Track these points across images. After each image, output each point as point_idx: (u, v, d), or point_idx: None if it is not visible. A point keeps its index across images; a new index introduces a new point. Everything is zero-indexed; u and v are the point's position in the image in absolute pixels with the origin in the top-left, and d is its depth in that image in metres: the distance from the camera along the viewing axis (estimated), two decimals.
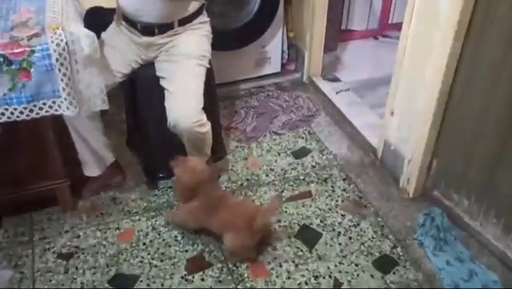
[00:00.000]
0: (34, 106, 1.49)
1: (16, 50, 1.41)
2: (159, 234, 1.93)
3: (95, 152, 1.98)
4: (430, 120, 1.88)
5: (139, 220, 1.99)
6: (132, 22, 1.86)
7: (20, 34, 1.46)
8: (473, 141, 1.80)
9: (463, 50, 1.72)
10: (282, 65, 2.85)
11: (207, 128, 1.84)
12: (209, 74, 1.96)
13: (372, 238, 1.92)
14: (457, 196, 1.93)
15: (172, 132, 1.81)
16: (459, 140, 1.86)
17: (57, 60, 1.45)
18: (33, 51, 1.43)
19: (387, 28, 3.25)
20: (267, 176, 2.21)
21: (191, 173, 1.74)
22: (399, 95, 2.03)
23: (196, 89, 1.79)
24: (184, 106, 1.76)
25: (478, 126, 1.76)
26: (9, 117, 1.49)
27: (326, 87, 2.76)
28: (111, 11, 2.00)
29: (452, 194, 1.95)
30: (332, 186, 2.16)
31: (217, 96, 2.19)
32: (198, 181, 1.74)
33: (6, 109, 1.47)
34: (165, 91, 1.81)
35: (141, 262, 1.82)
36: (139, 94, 2.00)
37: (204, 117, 1.81)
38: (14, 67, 1.41)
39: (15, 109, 1.47)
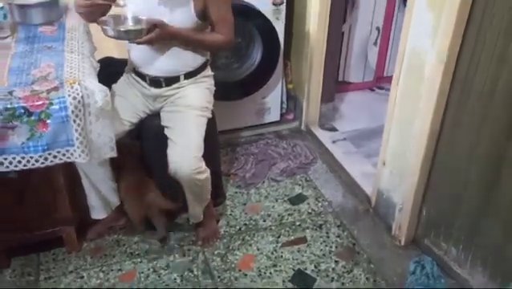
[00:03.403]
0: (49, 154, 1.60)
1: (36, 103, 1.54)
2: (159, 277, 2.00)
3: (102, 196, 2.07)
4: (418, 171, 1.99)
5: (140, 262, 2.08)
6: (141, 75, 2.01)
7: (40, 87, 1.60)
8: (458, 192, 1.90)
9: (447, 105, 1.85)
10: (282, 114, 2.99)
11: (206, 175, 1.94)
12: (212, 123, 2.08)
13: (365, 284, 1.99)
14: (445, 244, 2.01)
15: (174, 178, 1.92)
16: (446, 191, 1.97)
17: (72, 112, 1.58)
18: (51, 104, 1.56)
19: (382, 80, 3.40)
20: (264, 221, 2.30)
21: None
22: (390, 145, 2.15)
23: (196, 139, 1.91)
24: (184, 154, 1.87)
25: (463, 177, 1.87)
26: (25, 165, 1.60)
27: (323, 136, 2.89)
28: (122, 61, 2.16)
29: (441, 243, 2.03)
30: (327, 232, 2.25)
31: (218, 144, 2.32)
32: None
33: (23, 157, 1.58)
34: (168, 140, 1.93)
35: None
36: (145, 142, 2.12)
37: (203, 165, 1.92)
38: (33, 118, 1.54)
39: (31, 157, 1.59)
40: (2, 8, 1.92)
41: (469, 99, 1.77)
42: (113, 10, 1.87)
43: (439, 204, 2.02)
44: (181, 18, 1.85)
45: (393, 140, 2.13)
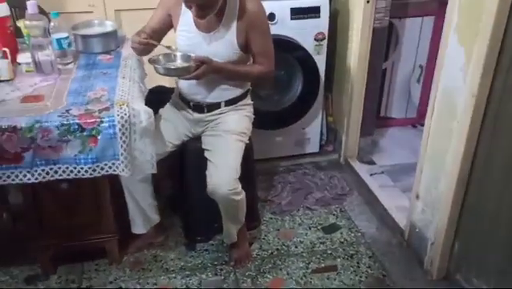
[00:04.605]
0: (97, 166, 1.77)
1: (89, 121, 1.72)
2: None
3: (143, 212, 2.21)
4: (450, 206, 1.99)
5: (174, 277, 2.18)
6: (186, 101, 2.16)
7: (93, 107, 1.78)
8: (490, 228, 1.89)
9: (479, 140, 1.86)
10: (321, 146, 3.07)
11: (241, 196, 2.04)
12: (249, 149, 2.19)
13: None
14: (477, 280, 1.98)
15: (211, 197, 2.03)
16: (478, 226, 1.95)
17: (120, 130, 1.74)
18: (102, 122, 1.73)
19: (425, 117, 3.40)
20: (296, 247, 2.35)
21: None
22: (423, 180, 2.17)
23: (234, 161, 2.02)
24: (222, 175, 1.98)
25: (495, 212, 1.86)
26: (76, 174, 1.78)
27: (361, 168, 2.93)
28: (171, 90, 2.34)
29: (472, 279, 2.01)
30: (358, 263, 2.26)
31: (255, 170, 2.41)
32: None
33: (75, 168, 1.76)
34: (208, 162, 2.05)
35: None
36: (186, 164, 2.25)
37: (239, 186, 2.02)
38: (85, 133, 1.72)
39: (81, 168, 1.76)
40: (67, 37, 2.15)
41: (501, 134, 1.79)
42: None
43: (471, 239, 2.00)
44: (225, 51, 1.99)
45: (426, 175, 2.15)
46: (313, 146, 3.03)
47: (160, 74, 1.94)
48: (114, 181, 2.05)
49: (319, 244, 2.38)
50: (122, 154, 1.76)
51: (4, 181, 1.75)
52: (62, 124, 1.71)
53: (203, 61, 1.91)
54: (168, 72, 1.97)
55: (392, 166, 2.97)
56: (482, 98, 1.79)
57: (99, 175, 1.78)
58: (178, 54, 2.01)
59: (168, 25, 2.07)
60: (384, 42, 2.86)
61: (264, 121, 2.62)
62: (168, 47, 2.00)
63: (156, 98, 2.26)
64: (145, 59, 2.13)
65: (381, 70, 2.99)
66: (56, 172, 1.75)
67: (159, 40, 2.04)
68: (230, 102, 2.13)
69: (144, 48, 1.97)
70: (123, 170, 1.78)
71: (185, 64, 1.95)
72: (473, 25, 1.74)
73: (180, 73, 1.97)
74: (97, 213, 2.12)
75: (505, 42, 1.69)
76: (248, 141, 2.16)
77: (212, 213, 2.18)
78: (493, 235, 1.88)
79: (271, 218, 2.56)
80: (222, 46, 1.99)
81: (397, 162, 3.01)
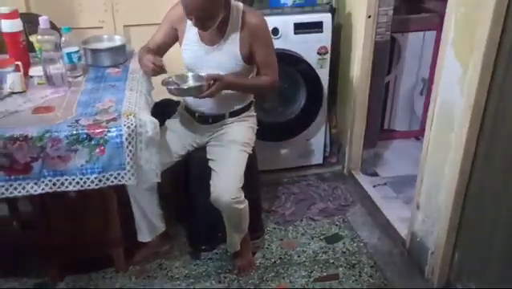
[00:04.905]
0: (103, 176, 1.82)
1: (97, 130, 1.78)
2: None
3: (149, 220, 2.27)
4: (449, 215, 2.03)
5: (179, 285, 2.22)
6: (191, 112, 2.23)
7: (102, 118, 1.85)
8: (489, 237, 1.91)
9: (476, 150, 1.90)
10: (325, 157, 3.12)
11: (244, 205, 2.09)
12: (252, 160, 2.25)
13: None
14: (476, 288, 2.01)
15: (214, 206, 2.08)
16: (477, 236, 1.98)
17: (126, 139, 1.80)
18: (109, 131, 1.79)
19: None
20: (299, 256, 2.39)
21: None
22: (423, 190, 2.21)
23: (237, 171, 2.07)
24: (225, 183, 2.03)
25: (494, 222, 1.88)
26: (82, 186, 1.82)
27: (364, 180, 2.96)
28: (177, 103, 2.40)
29: (472, 287, 2.02)
30: (359, 272, 2.29)
31: (259, 180, 2.47)
32: None
33: (81, 178, 1.81)
34: (212, 171, 2.10)
35: None
36: (191, 173, 2.31)
37: (242, 195, 2.06)
38: (93, 142, 1.78)
39: (88, 178, 1.81)
40: (78, 51, 2.23)
41: (498, 143, 1.82)
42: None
43: (471, 249, 2.03)
44: (229, 63, 2.06)
45: (426, 185, 2.19)
46: (317, 158, 3.08)
47: (173, 95, 2.00)
48: (120, 190, 2.11)
49: (322, 253, 2.41)
50: (128, 163, 1.82)
51: (10, 193, 1.79)
52: (72, 134, 1.77)
53: (215, 78, 1.96)
54: (182, 93, 2.03)
55: (395, 178, 3.01)
56: (479, 108, 1.83)
57: (104, 186, 1.83)
58: (190, 74, 2.07)
59: (173, 39, 2.14)
60: (387, 55, 2.92)
61: (269, 133, 2.68)
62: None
63: (163, 111, 2.32)
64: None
65: (384, 83, 3.04)
66: (63, 183, 1.80)
67: (163, 54, 2.11)
68: (234, 113, 2.19)
69: (152, 68, 1.99)
70: (129, 179, 1.84)
71: (198, 84, 2.01)
72: (469, 39, 1.80)
73: (193, 93, 2.02)
74: (104, 222, 2.18)
75: (500, 55, 1.74)
76: (251, 151, 2.22)
77: (216, 223, 2.23)
78: (492, 241, 1.90)
79: (275, 228, 2.60)
80: (226, 57, 2.05)
81: (400, 174, 3.04)
